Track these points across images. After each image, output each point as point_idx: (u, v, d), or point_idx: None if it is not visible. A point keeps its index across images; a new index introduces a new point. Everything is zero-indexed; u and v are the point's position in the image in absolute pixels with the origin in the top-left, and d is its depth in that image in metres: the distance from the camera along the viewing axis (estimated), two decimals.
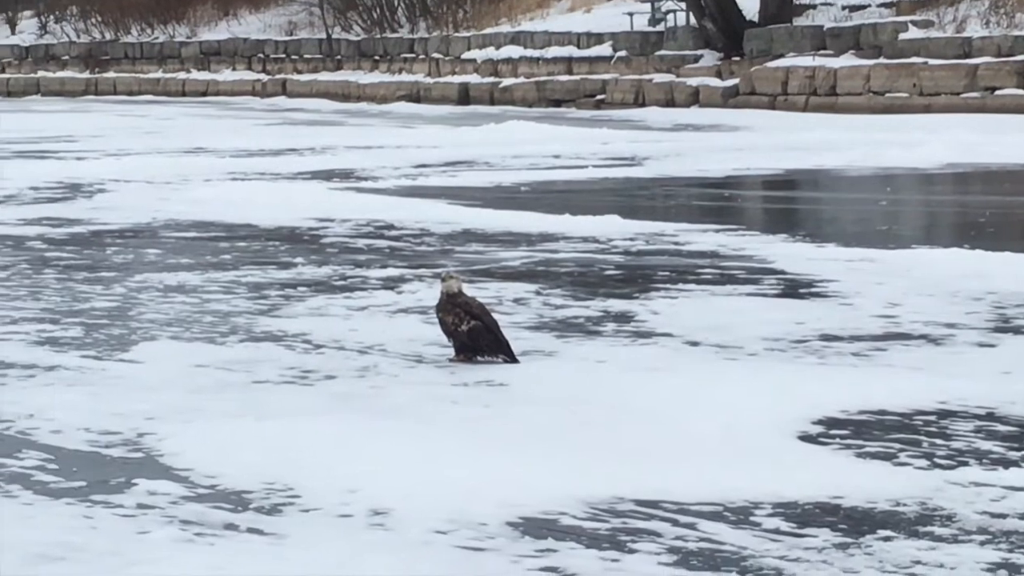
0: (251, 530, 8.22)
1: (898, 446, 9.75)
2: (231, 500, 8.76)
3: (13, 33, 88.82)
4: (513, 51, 58.85)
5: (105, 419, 10.67)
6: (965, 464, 9.28)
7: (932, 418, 10.44)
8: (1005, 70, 44.28)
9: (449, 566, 7.59)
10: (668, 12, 56.08)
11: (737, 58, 51.25)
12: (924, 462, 9.34)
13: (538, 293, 15.58)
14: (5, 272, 18.00)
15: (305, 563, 7.68)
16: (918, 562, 7.54)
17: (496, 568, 7.59)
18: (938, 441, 9.86)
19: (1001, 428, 10.14)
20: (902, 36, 47.98)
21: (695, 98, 50.63)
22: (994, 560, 7.55)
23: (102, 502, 8.76)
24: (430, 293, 13.73)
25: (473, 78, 58.73)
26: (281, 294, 16.05)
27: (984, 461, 9.34)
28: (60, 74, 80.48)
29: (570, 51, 57.35)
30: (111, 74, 77.65)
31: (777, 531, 8.06)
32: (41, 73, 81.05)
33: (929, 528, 8.07)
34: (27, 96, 78.10)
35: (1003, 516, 8.27)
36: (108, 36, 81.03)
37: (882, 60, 47.25)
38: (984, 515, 8.27)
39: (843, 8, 52.13)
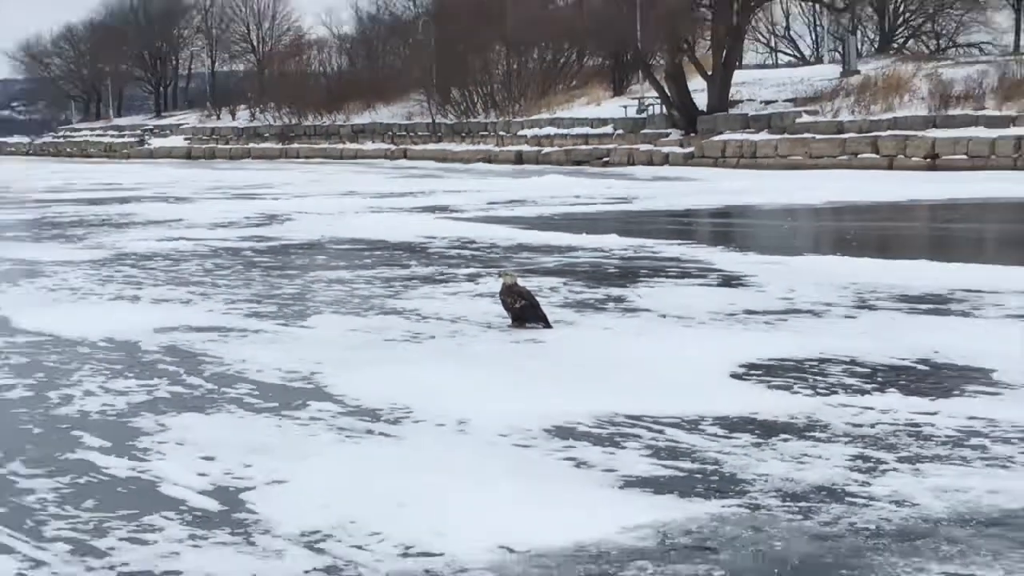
0: (382, 434, 8.34)
1: (793, 381, 9.79)
2: (369, 415, 8.86)
3: (233, 119, 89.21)
4: (550, 130, 58.81)
5: (291, 363, 10.76)
6: (835, 392, 9.31)
7: (815, 363, 10.45)
8: (864, 142, 44.17)
9: (506, 458, 7.74)
10: (649, 105, 55.81)
11: (693, 134, 51.05)
12: (809, 391, 9.39)
13: (564, 284, 15.63)
14: (228, 270, 18.12)
15: (416, 453, 7.81)
16: (805, 455, 7.61)
17: (535, 458, 7.72)
18: (819, 378, 9.87)
19: (859, 369, 10.15)
20: (798, 121, 47.89)
21: (666, 160, 50.42)
22: (854, 454, 7.61)
23: (288, 416, 8.90)
24: (496, 284, 13.79)
25: (525, 147, 58.61)
26: (402, 284, 16.11)
27: (849, 390, 9.36)
28: (263, 145, 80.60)
29: (586, 130, 57.17)
30: (296, 145, 77.66)
31: (715, 435, 8.16)
32: (251, 144, 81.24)
33: (812, 433, 8.16)
34: (242, 159, 78.28)
35: (860, 425, 8.31)
36: (294, 120, 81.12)
37: (786, 136, 47.12)
38: (848, 425, 8.31)
39: (761, 103, 51.91)
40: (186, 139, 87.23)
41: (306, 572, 5.89)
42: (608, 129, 56.89)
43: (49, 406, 9.41)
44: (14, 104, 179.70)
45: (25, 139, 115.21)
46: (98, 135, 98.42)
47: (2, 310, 14.42)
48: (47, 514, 6.83)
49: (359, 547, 6.20)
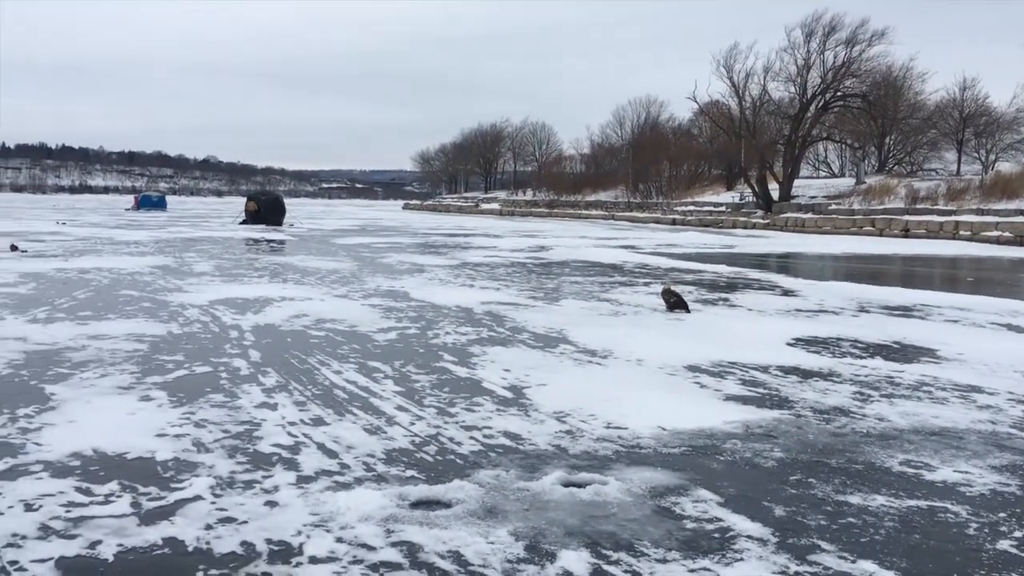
0: (596, 363, 8.31)
1: (821, 349, 9.43)
2: (590, 352, 8.84)
3: (524, 195, 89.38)
4: (691, 207, 57.61)
5: (550, 323, 10.78)
6: (845, 356, 8.94)
7: (834, 340, 10.03)
8: (867, 221, 42.18)
9: (662, 379, 7.63)
10: (746, 196, 54.53)
11: (769, 212, 49.51)
12: (830, 355, 9.03)
13: (696, 289, 15.36)
14: (519, 275, 18.28)
15: (614, 374, 7.77)
16: (827, 389, 7.37)
17: (678, 381, 7.61)
18: (835, 348, 9.49)
19: (859, 344, 9.70)
20: (829, 207, 45.96)
21: (754, 226, 48.74)
22: (855, 391, 7.30)
23: (548, 350, 8.90)
24: (659, 287, 13.62)
25: (677, 216, 57.40)
26: (608, 285, 16.02)
27: (853, 356, 8.98)
28: (539, 209, 79.99)
29: (711, 208, 55.82)
30: (556, 210, 77.03)
31: (777, 375, 7.94)
32: (532, 208, 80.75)
33: (831, 378, 7.88)
34: (527, 217, 78.07)
35: (858, 375, 7.95)
36: (555, 197, 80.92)
37: (821, 215, 45.20)
38: (852, 375, 7.98)
39: (808, 197, 49.93)
40: (499, 204, 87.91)
41: (556, 432, 5.95)
42: (723, 208, 55.40)
43: (427, 339, 9.69)
44: (413, 183, 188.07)
45: (416, 202, 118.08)
46: (454, 201, 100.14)
47: (405, 288, 14.92)
48: (424, 393, 7.05)
49: (583, 421, 6.23)
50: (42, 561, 3.80)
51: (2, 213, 54.67)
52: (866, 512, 4.53)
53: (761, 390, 7.31)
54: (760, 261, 24.25)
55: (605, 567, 3.82)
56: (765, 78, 53.36)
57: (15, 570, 3.70)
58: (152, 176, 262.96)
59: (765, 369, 8.20)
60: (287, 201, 50.94)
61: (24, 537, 4.03)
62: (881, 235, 40.64)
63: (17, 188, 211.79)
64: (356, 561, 3.87)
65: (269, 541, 4.06)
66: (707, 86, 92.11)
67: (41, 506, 4.42)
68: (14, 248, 22.11)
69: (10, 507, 4.38)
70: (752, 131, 53.11)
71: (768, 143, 53.64)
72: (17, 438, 5.58)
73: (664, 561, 3.89)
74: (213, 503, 4.51)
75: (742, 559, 3.92)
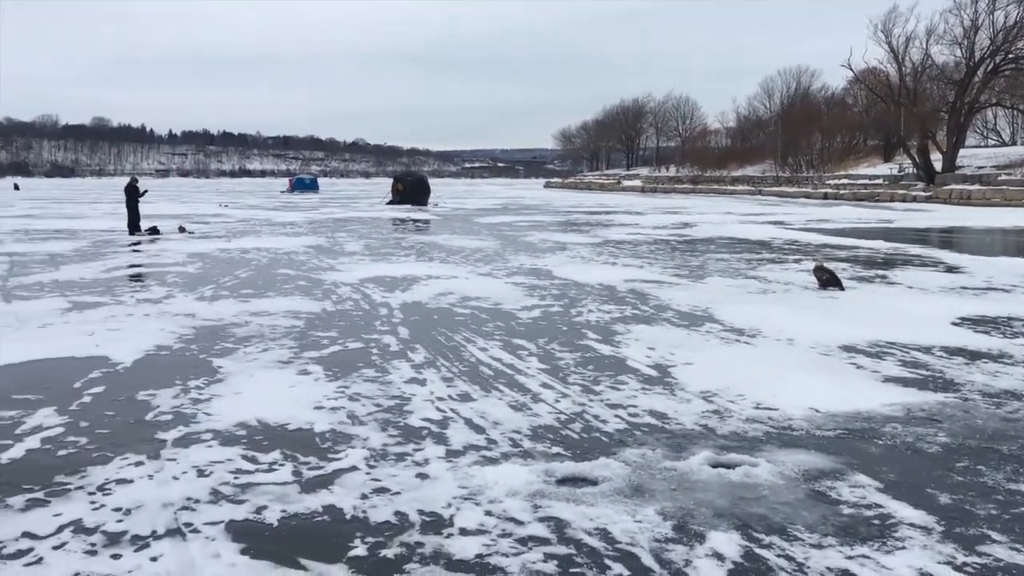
0: (744, 343, 8.13)
1: (991, 328, 8.89)
2: (737, 331, 8.64)
3: (667, 170, 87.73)
4: (845, 180, 55.11)
5: (695, 301, 10.57)
6: (1018, 337, 8.40)
7: (1005, 319, 9.41)
8: None
9: (815, 360, 7.42)
10: (905, 167, 51.68)
11: (931, 185, 46.80)
12: (1000, 335, 8.51)
13: (851, 266, 14.71)
14: (663, 253, 18.02)
15: (763, 353, 7.59)
16: (997, 371, 7.00)
17: (832, 362, 7.38)
18: (1007, 328, 8.91)
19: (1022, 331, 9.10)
20: (999, 178, 42.99)
21: (914, 199, 46.17)
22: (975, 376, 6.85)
23: (693, 329, 8.75)
24: (810, 264, 13.14)
25: (828, 190, 55.09)
26: (756, 262, 15.56)
27: (1022, 337, 8.44)
28: (682, 185, 78.48)
29: (865, 181, 53.20)
30: (700, 186, 75.29)
31: (940, 356, 7.54)
32: (675, 185, 79.18)
33: (1002, 359, 7.46)
34: (670, 193, 76.71)
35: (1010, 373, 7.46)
36: (699, 172, 79.01)
37: (990, 187, 42.36)
38: (989, 365, 7.48)
39: (975, 167, 46.83)
40: (641, 181, 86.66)
41: (703, 412, 5.86)
42: (879, 180, 52.74)
43: (570, 316, 9.74)
44: (554, 161, 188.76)
45: (558, 180, 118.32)
46: (595, 178, 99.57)
47: (548, 266, 15.00)
48: (569, 370, 7.07)
49: (731, 401, 6.11)
50: (214, 524, 4.06)
51: (171, 197, 58.34)
52: None
53: (923, 372, 6.95)
54: (921, 236, 22.97)
55: (757, 550, 3.75)
56: (927, 42, 50.59)
57: (190, 532, 3.98)
58: (305, 159, 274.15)
59: (927, 350, 7.80)
60: (431, 181, 52.10)
61: (197, 501, 4.33)
62: None
63: (183, 173, 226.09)
64: (505, 535, 3.95)
65: (421, 512, 4.19)
66: (863, 52, 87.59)
67: (212, 472, 4.72)
68: (182, 230, 23.64)
69: (184, 473, 4.72)
70: (912, 98, 50.34)
71: (930, 111, 50.75)
72: (189, 408, 5.98)
73: (819, 547, 3.78)
74: (368, 474, 4.70)
75: (904, 547, 3.76)
